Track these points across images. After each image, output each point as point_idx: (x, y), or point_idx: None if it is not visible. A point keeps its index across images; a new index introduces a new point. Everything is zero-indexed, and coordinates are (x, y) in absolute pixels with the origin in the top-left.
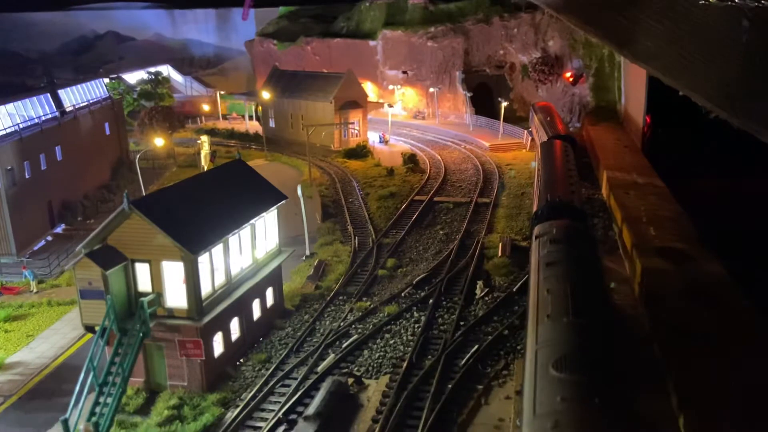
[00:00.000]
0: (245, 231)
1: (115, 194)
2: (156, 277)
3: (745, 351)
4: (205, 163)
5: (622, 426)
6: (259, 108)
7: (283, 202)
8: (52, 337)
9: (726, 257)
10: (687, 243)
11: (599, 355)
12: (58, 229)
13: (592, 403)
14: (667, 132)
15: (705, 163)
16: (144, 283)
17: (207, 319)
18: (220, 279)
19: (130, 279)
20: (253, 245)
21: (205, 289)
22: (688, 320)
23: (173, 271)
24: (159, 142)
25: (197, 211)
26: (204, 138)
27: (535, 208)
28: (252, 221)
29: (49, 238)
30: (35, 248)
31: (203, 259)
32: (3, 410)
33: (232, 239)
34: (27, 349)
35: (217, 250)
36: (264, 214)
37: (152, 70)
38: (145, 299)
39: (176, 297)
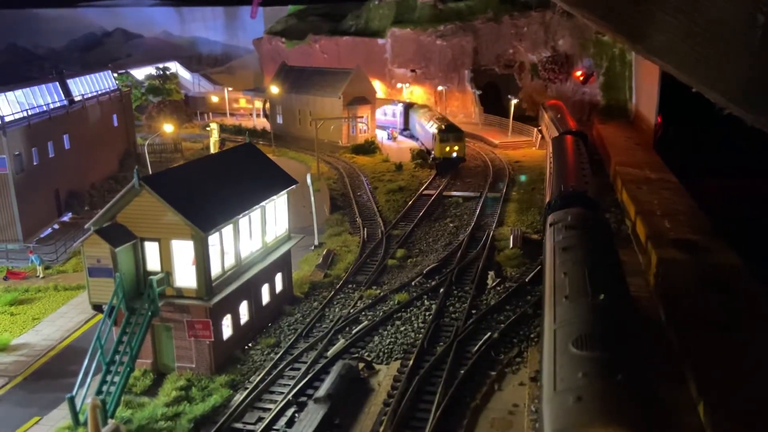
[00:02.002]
0: (255, 213)
1: (123, 185)
2: (165, 256)
3: (762, 339)
4: (214, 150)
5: (646, 401)
6: (267, 104)
7: (293, 186)
8: (58, 320)
9: (739, 253)
10: (702, 235)
11: (620, 333)
12: (65, 218)
13: (615, 379)
14: (678, 131)
15: (717, 162)
16: (153, 262)
17: (216, 299)
18: (229, 261)
19: (139, 257)
20: (263, 229)
21: (215, 269)
22: (704, 309)
23: (183, 250)
24: (168, 128)
25: (208, 191)
26: (213, 126)
27: (547, 199)
28: (262, 204)
29: (56, 226)
30: (42, 235)
31: (213, 240)
32: (8, 390)
33: (242, 221)
34: (33, 332)
35: (228, 230)
36: (274, 197)
37: (160, 65)
38: (154, 278)
39: (185, 277)
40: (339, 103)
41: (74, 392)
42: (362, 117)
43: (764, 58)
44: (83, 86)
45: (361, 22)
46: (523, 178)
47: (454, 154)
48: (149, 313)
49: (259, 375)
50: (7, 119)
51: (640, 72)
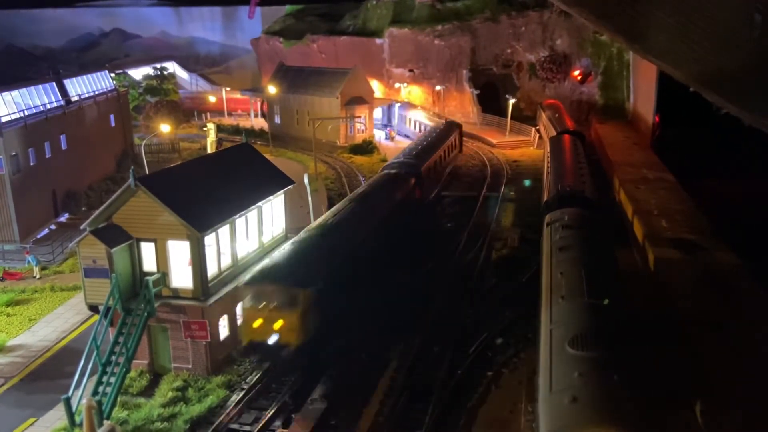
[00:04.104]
0: (252, 214)
1: (120, 185)
2: (161, 257)
3: (760, 339)
4: (211, 151)
5: (642, 402)
6: (265, 104)
7: (290, 186)
8: (55, 321)
9: (737, 253)
10: (700, 234)
11: (616, 333)
12: (62, 218)
13: (611, 379)
14: (676, 130)
15: (715, 162)
16: (149, 263)
17: (213, 300)
18: (226, 261)
19: (135, 258)
20: (259, 229)
21: (211, 270)
22: (701, 309)
23: (179, 251)
24: (165, 128)
25: (204, 191)
26: (210, 126)
27: (545, 198)
28: (259, 204)
29: (53, 226)
30: (38, 236)
31: (210, 240)
32: (4, 391)
33: (239, 221)
34: (29, 333)
35: (224, 231)
36: (271, 197)
37: (158, 65)
38: (151, 278)
39: (182, 277)
40: (337, 103)
41: (70, 393)
42: (360, 117)
43: (762, 57)
44: (80, 86)
45: (359, 22)
46: (527, 183)
47: (274, 337)
48: (145, 314)
49: (256, 375)
50: (3, 120)
51: (637, 71)
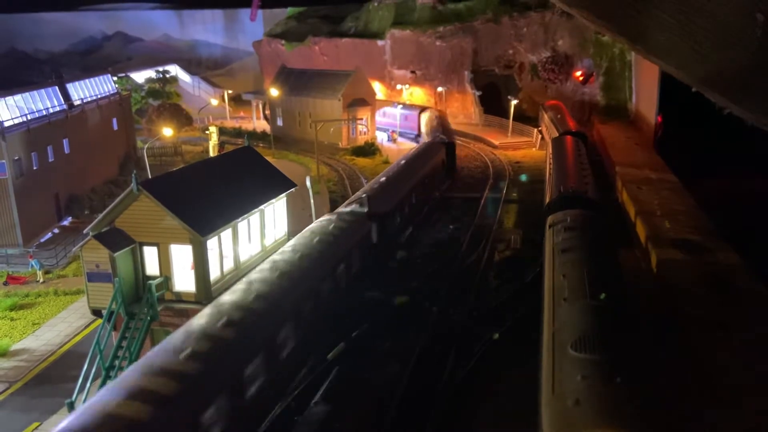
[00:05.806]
0: (254, 217)
1: (122, 189)
2: (164, 261)
3: (762, 339)
4: (213, 154)
5: (645, 404)
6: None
7: (292, 189)
8: (58, 325)
9: (740, 253)
10: (702, 235)
11: (619, 335)
12: (65, 222)
13: (614, 381)
14: (679, 130)
15: (718, 162)
16: (152, 267)
17: None
18: (228, 265)
19: (138, 262)
20: (262, 232)
21: (214, 273)
22: (704, 309)
23: (181, 255)
24: (168, 131)
25: (206, 194)
26: (212, 129)
27: (547, 200)
28: (261, 207)
29: (56, 230)
30: (42, 240)
31: (212, 244)
32: (8, 395)
33: (241, 225)
34: (33, 337)
35: (226, 234)
36: (273, 200)
37: (160, 69)
38: (153, 282)
39: (184, 281)
40: (339, 105)
41: (74, 397)
42: (362, 119)
43: (764, 57)
44: (83, 90)
45: (360, 24)
46: (523, 177)
47: None
48: (148, 318)
49: None
50: (6, 124)
51: (639, 72)
